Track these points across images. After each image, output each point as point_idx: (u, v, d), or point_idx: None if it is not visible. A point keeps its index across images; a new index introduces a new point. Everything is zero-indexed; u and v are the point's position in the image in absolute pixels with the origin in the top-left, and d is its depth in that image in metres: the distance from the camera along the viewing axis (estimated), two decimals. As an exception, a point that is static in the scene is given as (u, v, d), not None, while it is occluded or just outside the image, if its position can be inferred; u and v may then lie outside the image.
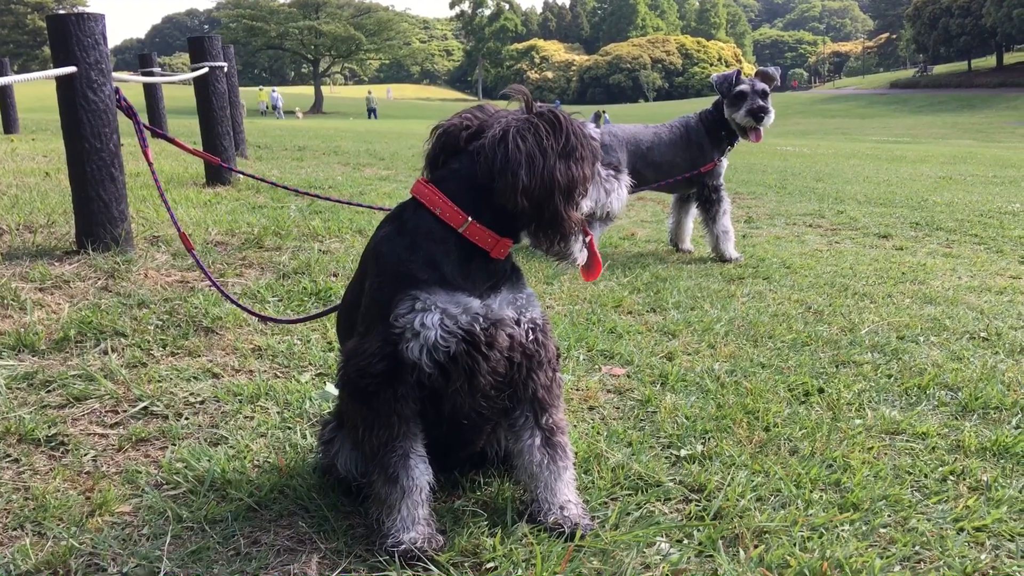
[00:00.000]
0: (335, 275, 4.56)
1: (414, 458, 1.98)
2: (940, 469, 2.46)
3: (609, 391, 3.07)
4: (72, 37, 4.25)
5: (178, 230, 3.32)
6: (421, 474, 1.98)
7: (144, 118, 9.21)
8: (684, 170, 5.71)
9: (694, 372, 3.26)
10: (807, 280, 5.13)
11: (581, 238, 2.00)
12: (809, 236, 7.56)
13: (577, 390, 3.03)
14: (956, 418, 2.89)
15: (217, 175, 8.49)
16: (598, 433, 2.65)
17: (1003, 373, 3.34)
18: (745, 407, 2.87)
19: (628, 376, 3.23)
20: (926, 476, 2.41)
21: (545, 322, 2.08)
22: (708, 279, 5.09)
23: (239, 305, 3.03)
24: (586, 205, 1.97)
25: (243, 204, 7.36)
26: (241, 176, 8.74)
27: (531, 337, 1.99)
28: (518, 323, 1.97)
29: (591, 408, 2.89)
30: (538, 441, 2.05)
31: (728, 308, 4.29)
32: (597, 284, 4.78)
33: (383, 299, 1.95)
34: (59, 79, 4.29)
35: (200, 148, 8.32)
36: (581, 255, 2.03)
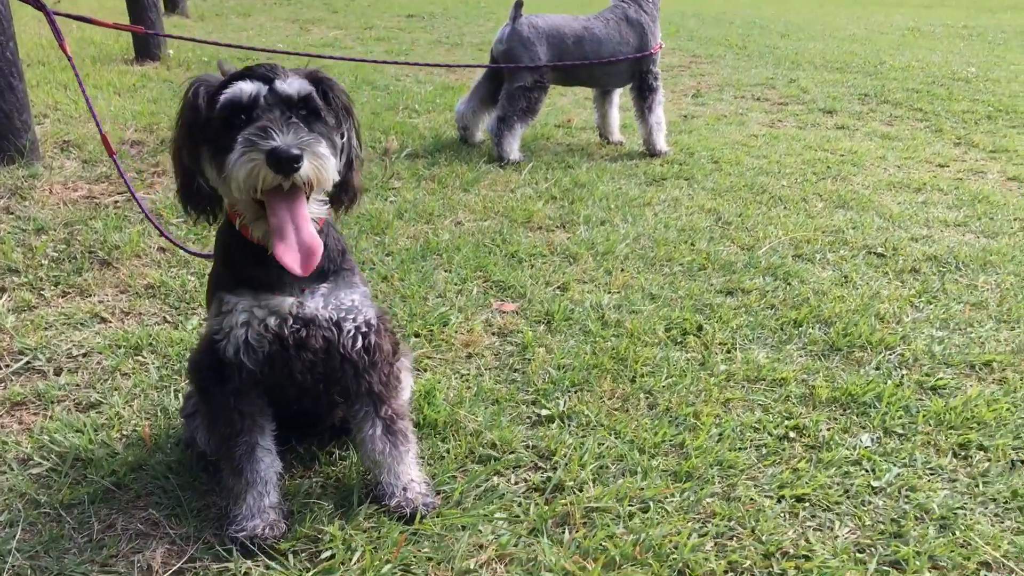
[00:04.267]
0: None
1: (260, 451, 2.06)
2: (785, 423, 2.58)
3: (493, 333, 3.14)
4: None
5: (101, 133, 3.10)
6: (267, 467, 2.07)
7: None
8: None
9: (583, 307, 3.32)
10: (728, 180, 5.13)
11: (260, 213, 1.81)
12: (753, 114, 7.48)
13: (460, 333, 3.10)
14: (820, 358, 3.00)
15: (146, 50, 8.19)
16: (467, 389, 2.73)
17: (882, 300, 3.44)
18: (618, 354, 2.95)
19: (517, 313, 3.29)
20: (769, 433, 2.53)
21: (380, 319, 2.11)
22: (629, 181, 5.07)
23: (167, 236, 3.00)
24: (211, 175, 1.81)
25: (170, 87, 7.14)
26: (171, 53, 8.43)
27: (361, 344, 2.03)
28: (340, 326, 2.00)
29: (469, 356, 2.96)
30: (379, 431, 2.13)
31: (638, 222, 4.31)
32: (514, 193, 4.76)
33: (207, 299, 2.02)
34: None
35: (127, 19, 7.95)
36: (266, 232, 1.82)
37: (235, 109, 1.75)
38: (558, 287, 3.53)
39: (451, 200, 4.57)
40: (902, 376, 2.88)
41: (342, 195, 1.96)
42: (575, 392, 2.73)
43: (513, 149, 5.34)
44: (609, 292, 3.49)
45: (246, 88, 1.75)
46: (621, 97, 6.07)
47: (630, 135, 6.12)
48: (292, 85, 1.78)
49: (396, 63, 5.36)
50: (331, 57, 5.86)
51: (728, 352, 3.03)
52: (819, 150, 6.16)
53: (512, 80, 5.35)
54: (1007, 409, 2.66)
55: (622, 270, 3.70)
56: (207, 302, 2.08)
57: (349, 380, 2.07)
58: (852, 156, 5.98)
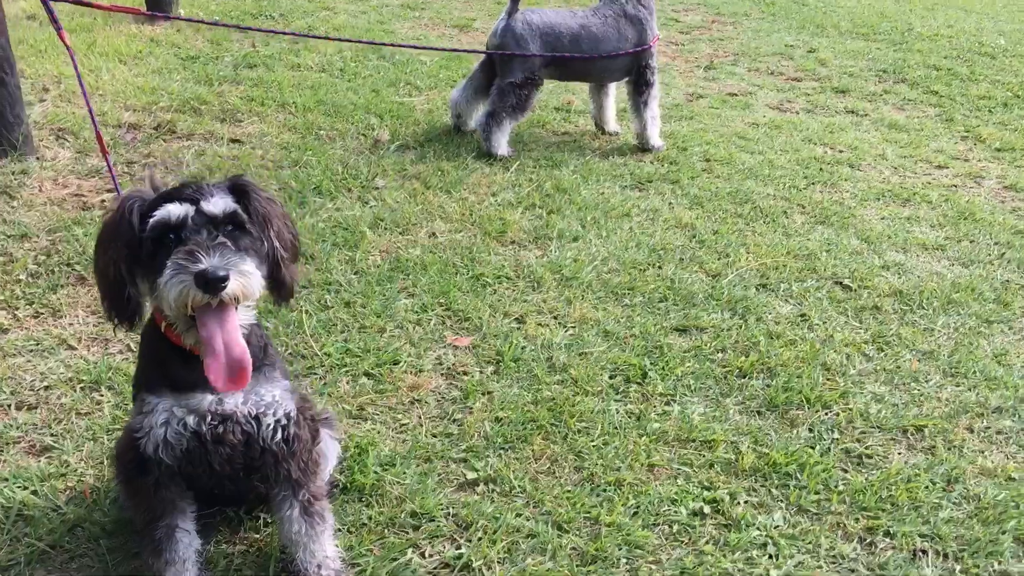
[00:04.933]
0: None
1: (179, 532, 2.19)
2: (704, 495, 2.66)
3: (442, 374, 3.22)
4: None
5: (96, 133, 3.15)
6: (186, 546, 2.20)
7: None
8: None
9: (534, 346, 3.39)
10: (715, 185, 5.10)
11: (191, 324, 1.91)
12: (762, 93, 7.36)
13: (409, 374, 3.19)
14: (756, 416, 3.06)
15: (157, 6, 8.18)
16: (403, 443, 2.84)
17: (834, 347, 3.47)
18: (556, 407, 3.03)
19: (469, 349, 3.37)
20: (686, 507, 2.61)
21: (300, 410, 2.21)
22: (614, 184, 5.06)
23: None
24: (143, 291, 1.95)
25: (176, 55, 7.17)
26: (182, 12, 8.42)
27: (280, 436, 2.14)
28: (260, 420, 2.11)
29: (413, 403, 3.06)
30: (296, 512, 2.25)
31: (612, 238, 4.34)
32: (495, 197, 4.78)
33: (133, 395, 2.13)
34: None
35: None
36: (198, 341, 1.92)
37: (165, 230, 1.87)
38: (516, 319, 3.60)
39: (430, 205, 4.61)
40: (832, 441, 2.93)
41: (275, 293, 2.11)
42: (506, 451, 2.82)
43: (501, 144, 5.34)
44: (565, 327, 3.54)
45: (174, 211, 1.87)
46: (617, 87, 6.00)
47: (628, 123, 6.05)
48: (217, 205, 1.90)
49: (399, 46, 5.35)
50: (342, 39, 5.84)
51: (667, 404, 3.10)
52: (818, 144, 6.08)
53: (504, 76, 5.31)
54: (924, 487, 2.72)
55: (583, 299, 3.75)
56: (133, 396, 2.19)
57: (269, 468, 2.19)
58: (851, 153, 5.90)
